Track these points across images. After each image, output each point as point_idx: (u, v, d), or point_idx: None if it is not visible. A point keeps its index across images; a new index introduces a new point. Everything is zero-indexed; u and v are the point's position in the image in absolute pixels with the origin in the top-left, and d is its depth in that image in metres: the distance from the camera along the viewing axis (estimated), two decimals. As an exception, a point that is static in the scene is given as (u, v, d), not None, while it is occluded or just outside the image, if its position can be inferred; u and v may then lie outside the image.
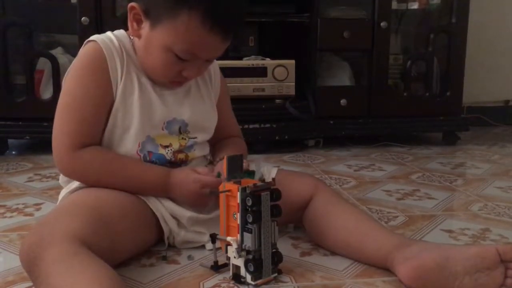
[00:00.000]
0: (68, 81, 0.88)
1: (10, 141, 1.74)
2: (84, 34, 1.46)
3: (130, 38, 0.91)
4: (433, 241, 0.94)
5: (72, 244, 0.68)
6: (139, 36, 0.87)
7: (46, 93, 1.66)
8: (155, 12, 0.83)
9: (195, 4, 0.79)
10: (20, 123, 1.62)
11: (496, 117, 2.30)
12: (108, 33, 0.90)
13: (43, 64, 1.68)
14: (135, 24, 0.86)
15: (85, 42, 0.89)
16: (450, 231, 1.02)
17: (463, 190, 1.33)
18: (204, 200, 0.86)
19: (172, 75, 0.87)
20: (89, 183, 0.87)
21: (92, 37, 0.89)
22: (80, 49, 0.90)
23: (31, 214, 1.10)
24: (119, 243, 0.79)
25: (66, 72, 0.90)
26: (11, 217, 1.08)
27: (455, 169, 1.56)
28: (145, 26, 0.85)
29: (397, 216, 1.11)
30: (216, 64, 1.01)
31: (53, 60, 1.63)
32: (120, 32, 0.92)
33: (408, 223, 1.06)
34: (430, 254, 0.75)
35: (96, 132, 0.87)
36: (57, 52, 1.70)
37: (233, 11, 0.83)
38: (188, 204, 0.88)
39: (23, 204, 1.17)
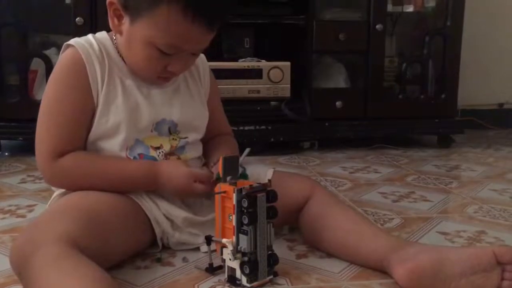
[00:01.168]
0: (46, 89, 0.86)
1: (3, 142, 1.73)
2: (78, 34, 1.45)
3: (113, 39, 0.88)
4: (428, 243, 0.94)
5: (63, 246, 0.67)
6: (120, 32, 0.84)
7: (39, 94, 1.65)
8: (134, 6, 0.80)
9: None
10: (13, 124, 1.61)
11: (491, 120, 2.31)
12: (89, 36, 0.88)
13: (37, 64, 1.67)
14: (116, 19, 0.83)
15: (64, 46, 0.87)
16: (445, 233, 1.02)
17: (458, 192, 1.33)
18: (195, 192, 0.85)
19: (157, 71, 0.85)
20: (73, 189, 0.85)
21: (71, 41, 0.86)
22: (60, 54, 0.88)
23: (23, 216, 1.09)
24: (111, 245, 0.78)
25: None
26: (3, 218, 1.07)
27: (450, 171, 1.57)
28: (126, 21, 0.82)
29: (392, 218, 1.10)
30: (205, 61, 0.99)
31: (47, 61, 1.62)
32: (102, 34, 0.89)
33: (403, 225, 1.06)
34: (426, 256, 0.75)
35: (76, 139, 0.85)
36: (51, 52, 1.68)
37: (215, 2, 0.80)
38: (177, 196, 0.87)
39: (15, 205, 1.16)
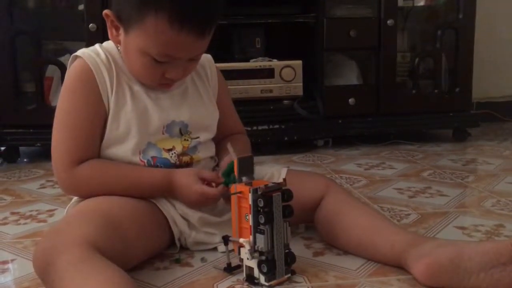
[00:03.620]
0: (59, 100, 0.88)
1: (21, 148, 1.76)
2: (91, 40, 1.47)
3: (118, 47, 0.90)
4: (446, 238, 0.93)
5: (85, 249, 0.68)
6: (118, 43, 0.86)
7: (55, 100, 1.68)
8: (126, 17, 0.82)
9: (160, 6, 0.77)
10: (31, 130, 1.64)
11: (506, 112, 2.28)
12: (96, 45, 0.90)
13: (52, 71, 1.70)
14: (114, 30, 0.85)
15: (71, 58, 0.89)
16: (463, 228, 1.01)
17: (475, 186, 1.32)
18: (207, 205, 0.87)
19: (156, 78, 0.86)
20: (90, 197, 0.86)
21: (78, 52, 0.88)
22: (68, 65, 0.90)
23: (44, 221, 1.11)
24: (131, 248, 0.79)
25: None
26: (24, 224, 1.09)
27: (466, 165, 1.55)
28: (122, 32, 0.84)
29: (409, 214, 1.10)
30: (211, 61, 0.99)
31: (62, 67, 1.64)
32: (109, 43, 0.91)
33: (420, 221, 1.06)
34: (444, 251, 0.75)
35: (92, 146, 0.87)
36: (66, 59, 1.71)
37: (201, 7, 0.79)
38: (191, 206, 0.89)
39: (36, 210, 1.18)
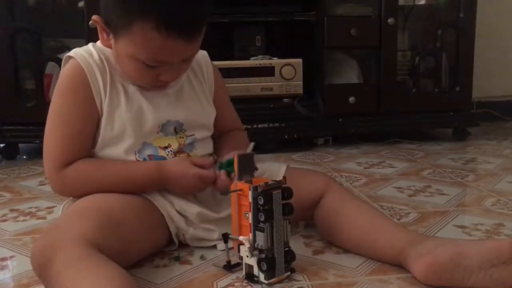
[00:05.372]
0: (52, 101, 0.88)
1: (21, 145, 1.76)
2: (91, 38, 1.47)
3: None
4: (446, 237, 0.93)
5: (83, 247, 0.68)
6: (110, 47, 0.86)
7: (55, 97, 1.68)
8: (113, 24, 0.82)
9: (146, 14, 0.76)
10: (30, 127, 1.64)
11: (506, 111, 2.28)
12: (89, 45, 0.90)
13: (51, 68, 1.69)
14: (104, 34, 0.85)
15: (64, 58, 0.89)
16: (463, 227, 1.01)
17: (475, 185, 1.32)
18: (203, 190, 0.87)
19: (150, 81, 0.86)
20: (82, 196, 0.86)
21: (71, 53, 0.88)
22: (62, 66, 0.89)
23: (43, 218, 1.11)
24: (130, 245, 0.79)
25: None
26: (24, 220, 1.09)
27: (466, 164, 1.55)
28: (111, 37, 0.84)
29: (409, 213, 1.10)
30: (207, 59, 0.98)
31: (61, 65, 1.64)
32: None
33: (420, 220, 1.06)
34: (444, 250, 0.75)
35: (83, 148, 0.87)
36: (66, 56, 1.71)
37: (187, 12, 0.78)
38: (186, 194, 0.89)
39: (35, 207, 1.18)
